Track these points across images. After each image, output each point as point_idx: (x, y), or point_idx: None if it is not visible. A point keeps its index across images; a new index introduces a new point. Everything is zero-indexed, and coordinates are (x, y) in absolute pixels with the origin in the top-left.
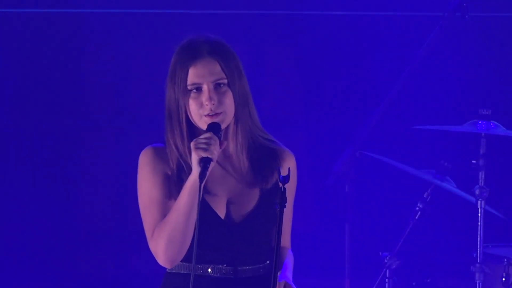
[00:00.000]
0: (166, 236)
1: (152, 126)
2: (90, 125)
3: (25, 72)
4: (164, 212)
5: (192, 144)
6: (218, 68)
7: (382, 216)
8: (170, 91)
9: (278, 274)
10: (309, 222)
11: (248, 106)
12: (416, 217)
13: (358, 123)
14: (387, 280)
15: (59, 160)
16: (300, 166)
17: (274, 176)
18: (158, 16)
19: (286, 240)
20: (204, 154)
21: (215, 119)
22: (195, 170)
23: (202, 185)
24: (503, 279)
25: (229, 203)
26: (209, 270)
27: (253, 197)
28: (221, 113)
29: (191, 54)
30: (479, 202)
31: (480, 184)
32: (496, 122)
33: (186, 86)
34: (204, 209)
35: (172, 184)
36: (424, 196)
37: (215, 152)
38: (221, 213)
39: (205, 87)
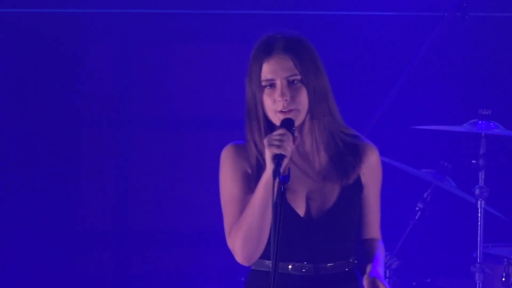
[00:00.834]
0: (243, 234)
1: (152, 126)
2: (90, 125)
3: (24, 72)
4: (243, 210)
5: (265, 141)
6: (291, 64)
7: (382, 216)
8: (248, 87)
9: (368, 269)
10: None
11: (327, 103)
12: (416, 217)
13: (358, 123)
14: (387, 280)
15: (58, 160)
16: None
17: (355, 172)
18: (158, 16)
19: (375, 231)
20: (277, 151)
21: (288, 116)
22: (269, 167)
23: (276, 181)
24: (503, 279)
25: (308, 200)
26: (290, 267)
27: (333, 194)
28: (294, 109)
29: (265, 50)
30: (479, 202)
31: (480, 184)
32: (496, 122)
33: (260, 82)
34: (282, 209)
35: (252, 181)
36: (424, 196)
37: (289, 148)
38: (300, 210)
39: (278, 83)
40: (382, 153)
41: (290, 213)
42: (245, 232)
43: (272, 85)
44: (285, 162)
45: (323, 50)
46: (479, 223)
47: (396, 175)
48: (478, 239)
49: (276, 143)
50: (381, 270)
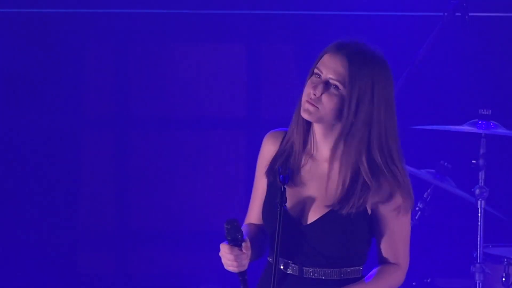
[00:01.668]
0: None
1: (152, 125)
2: (90, 125)
3: (24, 72)
4: (256, 209)
5: (220, 253)
6: (342, 70)
7: None
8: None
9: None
10: None
11: (371, 128)
12: (416, 217)
13: None
14: None
15: (58, 159)
16: None
17: (361, 206)
18: (158, 16)
19: (393, 256)
20: (233, 271)
21: (310, 107)
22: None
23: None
24: (503, 279)
25: (306, 204)
26: (281, 265)
27: (323, 209)
28: (317, 107)
29: (335, 45)
30: (479, 202)
31: (480, 184)
32: (496, 122)
33: (315, 67)
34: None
35: (271, 164)
36: (424, 196)
37: (245, 262)
38: (293, 210)
39: (323, 77)
40: None
41: (284, 213)
42: None
43: (319, 76)
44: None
45: (322, 50)
46: (479, 223)
47: None
48: (478, 239)
49: (230, 265)
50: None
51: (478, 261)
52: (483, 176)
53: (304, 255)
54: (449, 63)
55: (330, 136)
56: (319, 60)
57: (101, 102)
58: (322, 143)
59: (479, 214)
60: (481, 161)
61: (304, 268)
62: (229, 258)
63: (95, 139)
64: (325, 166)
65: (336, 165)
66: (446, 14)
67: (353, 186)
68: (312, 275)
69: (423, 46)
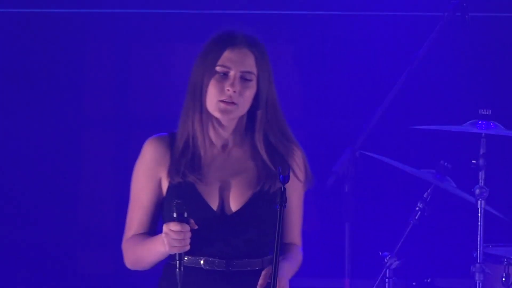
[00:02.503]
0: (132, 260)
1: (152, 125)
2: (90, 125)
3: (24, 71)
4: (144, 218)
5: (164, 238)
6: (252, 61)
7: (382, 216)
8: (198, 68)
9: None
10: (309, 222)
11: (276, 111)
12: (416, 217)
13: (358, 123)
14: (387, 280)
15: (58, 159)
16: None
17: (277, 179)
18: (158, 16)
19: (294, 236)
20: (178, 251)
21: (229, 107)
22: (165, 248)
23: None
24: (503, 279)
25: (223, 194)
26: (201, 262)
27: (250, 191)
28: (236, 104)
29: (231, 39)
30: (479, 202)
31: (480, 184)
32: (496, 122)
33: (215, 66)
34: (195, 198)
35: (172, 168)
36: (424, 196)
37: (188, 242)
38: (213, 203)
39: (232, 73)
40: (382, 153)
41: (203, 207)
42: (135, 261)
43: (225, 73)
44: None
45: (322, 50)
46: (479, 223)
47: (396, 175)
48: (478, 239)
49: (176, 244)
50: (284, 273)
51: (478, 261)
52: (483, 176)
53: (229, 248)
54: (449, 63)
55: (238, 125)
56: (217, 58)
57: (101, 102)
58: (230, 134)
59: (479, 214)
60: (481, 161)
61: (231, 261)
62: (179, 235)
63: (95, 139)
64: (237, 154)
65: (248, 150)
66: (446, 14)
67: (274, 163)
68: (239, 268)
69: (423, 46)
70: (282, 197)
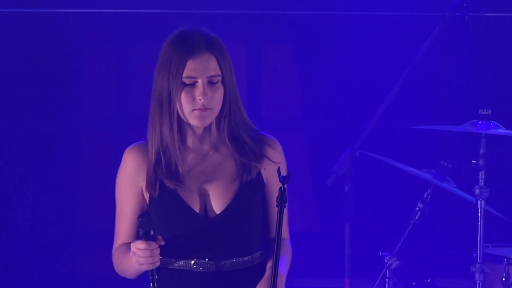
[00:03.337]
0: (119, 269)
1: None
2: (90, 125)
3: (24, 71)
4: (129, 227)
5: (132, 252)
6: (214, 64)
7: (382, 216)
8: (162, 81)
9: (267, 272)
10: (309, 222)
11: (238, 103)
12: (416, 217)
13: (358, 123)
14: (387, 280)
15: (57, 159)
16: (300, 166)
17: (256, 167)
18: (158, 16)
19: (283, 230)
20: (148, 269)
21: (204, 113)
22: (137, 266)
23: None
24: (503, 279)
25: (205, 197)
26: (192, 264)
27: (232, 190)
28: (210, 108)
29: (190, 47)
30: (479, 202)
31: (480, 184)
32: (496, 122)
33: (181, 78)
34: (179, 204)
35: (149, 179)
36: (424, 196)
37: (157, 259)
38: (196, 207)
39: (200, 82)
40: (382, 153)
41: (187, 211)
42: (121, 271)
43: (193, 83)
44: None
45: (322, 50)
46: (479, 223)
47: (396, 175)
48: (478, 239)
49: (144, 262)
50: (282, 270)
51: (478, 261)
52: (483, 176)
53: (217, 249)
54: (449, 63)
55: (211, 126)
56: (181, 70)
57: (101, 102)
58: (204, 135)
59: (479, 214)
60: (481, 161)
61: (220, 262)
62: (146, 253)
63: (95, 138)
64: (213, 155)
65: (222, 150)
66: (446, 14)
67: (240, 152)
68: (229, 268)
69: (423, 46)
70: (282, 197)
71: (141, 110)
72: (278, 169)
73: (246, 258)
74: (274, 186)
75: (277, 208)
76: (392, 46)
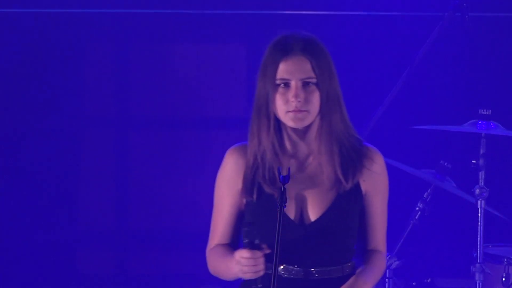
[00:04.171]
0: (212, 270)
1: (152, 125)
2: (90, 125)
3: (24, 72)
4: (226, 228)
5: (236, 260)
6: (308, 66)
7: None
8: (260, 85)
9: (351, 280)
10: None
11: (339, 107)
12: (416, 217)
13: (358, 123)
14: (387, 280)
15: (58, 159)
16: None
17: (355, 177)
18: (158, 16)
19: (378, 242)
20: (252, 277)
21: (299, 115)
22: (236, 271)
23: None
24: (503, 279)
25: (302, 204)
26: (281, 269)
27: (329, 199)
28: (305, 111)
29: (283, 49)
30: (479, 202)
31: (480, 184)
32: (496, 122)
33: (275, 80)
34: (275, 210)
35: (246, 182)
36: (424, 196)
37: (261, 270)
38: (291, 213)
39: (293, 84)
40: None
41: (282, 217)
42: (215, 272)
43: (286, 84)
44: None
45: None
46: (479, 223)
47: (396, 175)
48: (478, 239)
49: (248, 271)
50: (367, 279)
51: (478, 261)
52: (483, 176)
53: (308, 257)
54: (449, 63)
55: (311, 132)
56: (275, 72)
57: (101, 102)
58: (302, 141)
59: (479, 214)
60: (481, 161)
61: (308, 270)
62: (250, 262)
63: (95, 138)
64: (313, 162)
65: (322, 155)
66: (446, 14)
67: (341, 161)
68: (316, 276)
69: (423, 46)
70: (282, 197)
71: (141, 110)
72: (278, 169)
73: (336, 268)
74: (374, 198)
75: (381, 216)
76: (392, 46)
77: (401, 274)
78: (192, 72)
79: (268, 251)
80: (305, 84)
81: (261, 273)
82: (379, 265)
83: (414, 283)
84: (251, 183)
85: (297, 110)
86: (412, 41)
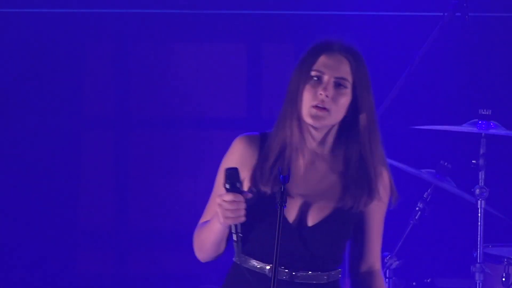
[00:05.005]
0: (197, 245)
1: (152, 125)
2: (90, 125)
3: (24, 72)
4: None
5: (217, 204)
6: (347, 68)
7: None
8: (296, 74)
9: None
10: None
11: (368, 125)
12: (416, 217)
13: None
14: (387, 280)
15: (58, 159)
16: None
17: (366, 205)
18: (158, 16)
19: (374, 259)
20: (233, 222)
21: (320, 113)
22: (219, 223)
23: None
24: (503, 279)
25: (302, 208)
26: (267, 269)
27: (330, 206)
28: (328, 110)
29: (328, 45)
30: (479, 202)
31: (480, 184)
32: (496, 122)
33: (311, 71)
34: (274, 209)
35: (258, 170)
36: (424, 196)
37: (242, 214)
38: (291, 217)
39: (326, 78)
40: None
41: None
42: (199, 246)
43: (319, 78)
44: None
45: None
46: (479, 223)
47: (396, 175)
48: (478, 239)
49: (230, 214)
50: None
51: (478, 261)
52: (483, 176)
53: (297, 260)
54: (449, 63)
55: (328, 136)
56: (313, 63)
57: (101, 102)
58: (318, 144)
59: (479, 214)
60: (481, 161)
61: (295, 273)
62: (232, 205)
63: (95, 139)
64: (324, 165)
65: (339, 162)
66: (446, 14)
67: (362, 181)
68: (302, 280)
69: (423, 46)
70: (282, 197)
71: (141, 109)
72: (278, 169)
73: (322, 274)
74: (374, 220)
75: (375, 233)
76: (392, 46)
77: (401, 274)
78: (192, 72)
79: (249, 196)
80: (338, 85)
81: (242, 219)
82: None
83: (414, 283)
84: (263, 175)
85: (321, 107)
86: (412, 41)
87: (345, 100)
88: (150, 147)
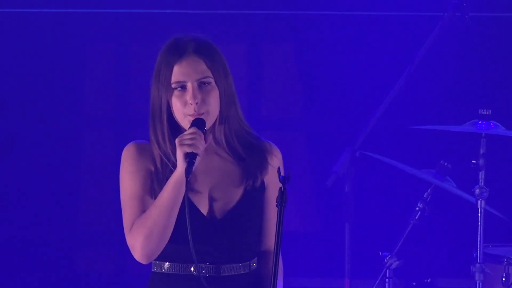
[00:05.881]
0: (146, 231)
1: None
2: (90, 125)
3: (24, 72)
4: (143, 208)
5: (177, 140)
6: (203, 66)
7: (382, 216)
8: (154, 89)
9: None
10: (309, 222)
11: (235, 105)
12: (416, 217)
13: (358, 123)
14: (387, 280)
15: (58, 159)
16: (300, 166)
17: (262, 174)
18: (158, 16)
19: (272, 239)
20: (189, 150)
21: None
22: (180, 166)
23: (188, 180)
24: (503, 279)
25: (212, 200)
26: (192, 269)
27: (236, 194)
28: (204, 113)
29: (176, 52)
30: (479, 202)
31: (480, 184)
32: (496, 122)
33: (170, 84)
34: (188, 207)
35: (155, 181)
36: (424, 196)
37: (201, 147)
38: (204, 209)
39: (189, 86)
40: (382, 153)
41: (193, 212)
42: (149, 229)
43: (183, 87)
44: (198, 160)
45: (322, 50)
46: (479, 223)
47: (396, 175)
48: (478, 239)
49: (188, 142)
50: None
51: (478, 261)
52: (483, 176)
53: (220, 253)
54: (449, 63)
55: (212, 129)
56: (169, 76)
57: (100, 102)
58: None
59: (479, 214)
60: (481, 161)
61: (221, 266)
62: (188, 136)
63: (95, 138)
64: (218, 158)
65: (223, 151)
66: (446, 14)
67: (245, 157)
68: (228, 273)
69: (423, 46)
70: (282, 197)
71: (141, 110)
72: (278, 169)
73: (244, 264)
74: (272, 192)
75: (274, 212)
76: (392, 46)
77: (401, 274)
78: None
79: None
80: (202, 85)
81: (200, 149)
82: (281, 269)
83: (414, 283)
84: (159, 182)
85: (196, 114)
86: (412, 41)
87: (214, 94)
88: None
